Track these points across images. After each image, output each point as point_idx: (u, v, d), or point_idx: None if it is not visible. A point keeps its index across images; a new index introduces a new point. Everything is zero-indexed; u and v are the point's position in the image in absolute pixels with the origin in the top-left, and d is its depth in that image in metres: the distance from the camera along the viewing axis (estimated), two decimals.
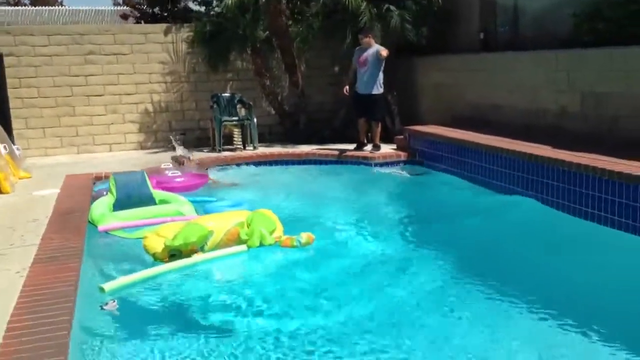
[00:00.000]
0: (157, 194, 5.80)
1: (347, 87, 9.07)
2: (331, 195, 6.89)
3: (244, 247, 4.43)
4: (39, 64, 9.68)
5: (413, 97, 10.33)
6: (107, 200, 5.61)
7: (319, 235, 4.78)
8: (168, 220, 5.11)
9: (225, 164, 8.65)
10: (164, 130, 10.48)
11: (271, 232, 4.46)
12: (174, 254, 4.30)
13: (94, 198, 5.99)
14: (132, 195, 5.57)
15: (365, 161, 8.48)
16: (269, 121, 10.84)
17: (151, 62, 10.27)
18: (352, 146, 9.16)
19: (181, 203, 5.58)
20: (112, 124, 10.20)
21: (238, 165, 8.74)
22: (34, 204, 5.78)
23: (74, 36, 9.83)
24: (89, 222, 5.23)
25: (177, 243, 4.15)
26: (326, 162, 8.74)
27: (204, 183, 6.83)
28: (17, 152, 7.33)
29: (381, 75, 8.84)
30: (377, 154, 8.64)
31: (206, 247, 4.34)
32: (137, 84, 10.24)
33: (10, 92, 9.44)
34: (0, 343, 2.74)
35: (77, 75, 9.87)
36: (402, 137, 9.09)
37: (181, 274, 4.24)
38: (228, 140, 9.98)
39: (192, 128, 10.60)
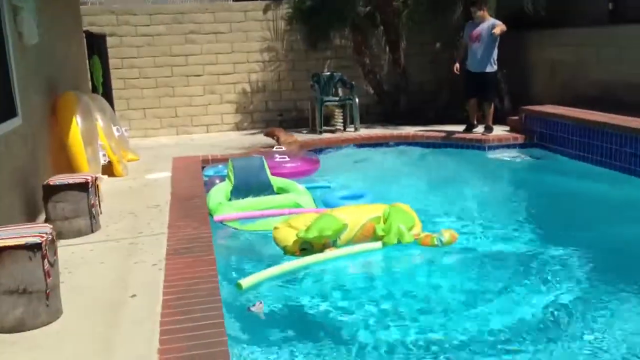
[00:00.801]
0: (275, 181, 5.58)
1: (458, 64, 8.53)
2: (447, 182, 6.46)
3: (379, 244, 4.10)
4: (140, 44, 9.71)
5: (525, 75, 9.65)
6: (225, 187, 5.43)
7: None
8: (285, 212, 4.86)
9: (327, 145, 8.37)
10: (260, 110, 10.33)
11: (409, 229, 4.11)
12: (304, 247, 4.05)
13: (207, 185, 5.86)
14: (250, 182, 5.37)
15: (478, 144, 7.98)
16: (367, 101, 10.44)
17: (250, 40, 10.10)
18: (459, 128, 8.66)
19: (299, 193, 5.31)
20: (209, 104, 10.13)
21: (340, 147, 8.43)
22: (150, 188, 5.70)
23: (175, 15, 9.78)
24: None
25: (310, 235, 3.89)
26: (435, 145, 8.29)
27: (315, 169, 6.55)
28: (125, 134, 7.33)
29: (496, 51, 8.26)
30: (490, 136, 8.10)
31: (339, 242, 4.06)
32: (235, 64, 10.10)
33: (113, 73, 9.50)
34: (159, 348, 2.56)
35: (178, 55, 9.84)
36: (516, 117, 8.50)
37: (313, 270, 3.98)
38: (327, 120, 9.69)
39: (289, 108, 10.39)
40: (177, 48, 9.83)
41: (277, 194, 5.44)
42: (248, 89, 10.21)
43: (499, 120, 9.25)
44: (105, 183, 5.76)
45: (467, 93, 8.62)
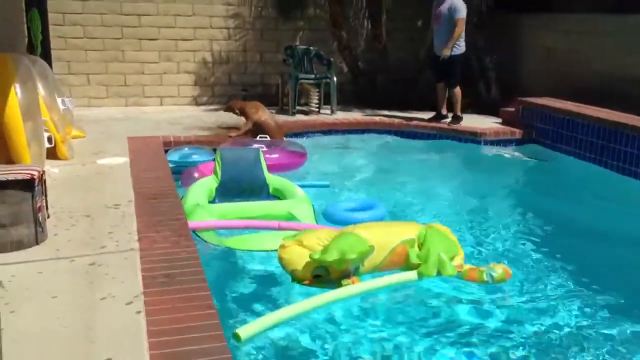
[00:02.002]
0: (273, 180, 4.69)
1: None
2: (444, 184, 5.77)
3: (413, 274, 3.31)
4: None
5: (515, 62, 9.07)
6: (208, 184, 4.52)
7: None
8: (274, 225, 4.00)
9: (303, 130, 7.52)
10: (222, 84, 9.34)
11: (451, 258, 3.34)
12: (319, 273, 3.23)
13: (177, 177, 4.94)
14: (241, 180, 4.48)
15: (472, 137, 7.32)
16: (340, 79, 9.53)
17: (214, 3, 9.03)
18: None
19: (298, 200, 4.38)
20: (164, 73, 9.05)
21: (317, 133, 7.60)
22: (104, 179, 4.70)
23: None
24: None
25: (329, 258, 3.07)
26: (424, 136, 7.59)
27: (301, 163, 5.67)
28: (70, 106, 6.23)
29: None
30: (485, 129, 7.46)
31: (362, 268, 3.26)
32: (196, 29, 9.03)
33: (52, 30, 8.24)
34: None
35: (129, 14, 8.68)
36: (510, 109, 7.90)
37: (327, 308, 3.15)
38: (299, 100, 8.79)
39: (254, 83, 9.44)
40: (128, 5, 8.68)
41: (273, 196, 4.57)
42: (209, 58, 9.18)
43: (487, 110, 8.69)
44: (46, 171, 4.73)
45: (434, 77, 7.99)
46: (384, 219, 4.19)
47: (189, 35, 8.99)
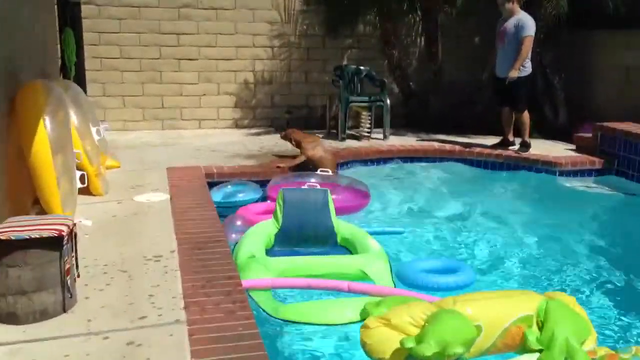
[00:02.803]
0: (341, 227, 4.09)
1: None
2: (529, 228, 5.08)
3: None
4: (123, 16, 8.11)
5: (587, 82, 8.37)
6: (267, 229, 3.96)
7: None
8: (343, 287, 3.37)
9: (354, 158, 6.93)
10: (265, 106, 8.85)
11: (582, 342, 2.67)
12: None
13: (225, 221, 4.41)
14: (306, 226, 3.91)
15: (546, 167, 6.63)
16: (390, 101, 9.05)
17: (257, 21, 8.59)
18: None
19: (373, 255, 3.70)
20: (204, 95, 8.61)
21: (372, 162, 7.01)
22: (144, 222, 4.19)
23: None
24: None
25: (428, 352, 2.44)
26: (491, 165, 6.94)
27: (364, 205, 5.04)
28: (105, 135, 5.78)
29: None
30: (561, 159, 6.76)
31: (466, 356, 2.62)
32: (238, 47, 8.58)
33: (87, 50, 7.88)
34: None
35: (168, 33, 8.27)
36: (586, 135, 7.20)
37: None
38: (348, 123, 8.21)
39: (299, 105, 8.93)
40: (167, 25, 8.27)
41: (341, 247, 3.98)
42: (251, 79, 8.71)
43: (554, 135, 8.03)
44: (80, 209, 4.25)
45: (497, 101, 7.38)
46: (473, 283, 3.53)
47: (230, 55, 8.54)
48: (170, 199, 4.73)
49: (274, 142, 7.52)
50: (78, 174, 4.14)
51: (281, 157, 6.54)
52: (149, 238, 3.81)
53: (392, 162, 7.00)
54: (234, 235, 4.17)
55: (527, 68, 7.04)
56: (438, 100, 8.90)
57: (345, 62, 8.85)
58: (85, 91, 7.89)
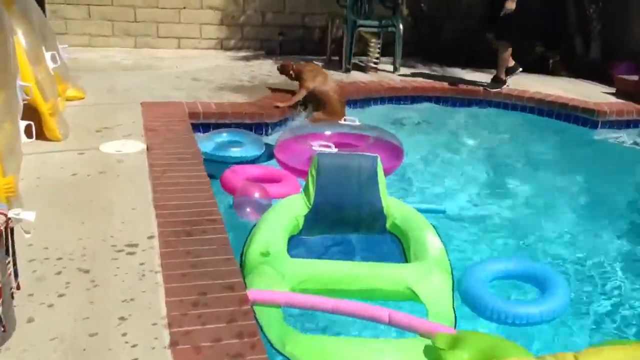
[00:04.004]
0: (393, 207, 3.09)
1: None
2: (565, 192, 4.33)
3: None
4: None
5: (621, 12, 7.39)
6: (294, 208, 3.02)
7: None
8: (381, 318, 2.36)
9: (365, 95, 5.98)
10: (254, 24, 7.74)
11: None
12: None
13: (221, 183, 3.52)
14: (346, 205, 2.99)
15: (584, 114, 5.77)
16: None
17: None
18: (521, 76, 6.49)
19: (430, 264, 2.68)
20: (184, 8, 7.45)
21: (381, 100, 6.07)
22: (114, 186, 3.27)
23: None
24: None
25: None
26: (519, 108, 6.07)
27: (396, 167, 4.09)
28: (65, 59, 4.73)
29: None
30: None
31: None
32: None
33: None
34: None
35: None
36: (630, 78, 6.34)
37: None
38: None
39: (293, 24, 7.84)
40: None
41: (391, 235, 3.10)
42: None
43: (587, 73, 7.16)
44: (28, 165, 3.30)
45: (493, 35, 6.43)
46: (565, 308, 2.66)
47: None
48: (147, 149, 3.80)
49: (267, 70, 6.52)
50: (23, 124, 3.15)
51: (277, 91, 5.57)
52: (120, 214, 2.92)
53: (408, 102, 6.07)
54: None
55: None
56: (452, 26, 7.90)
57: None
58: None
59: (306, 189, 3.07)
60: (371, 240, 3.01)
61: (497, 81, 6.35)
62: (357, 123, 4.36)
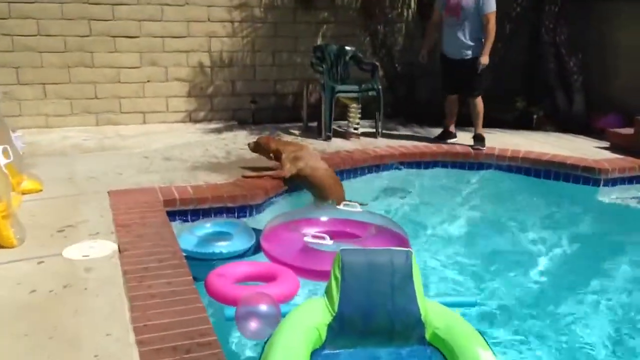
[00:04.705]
0: (432, 313, 2.56)
1: (424, 52, 6.41)
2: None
3: None
4: None
5: (605, 64, 7.27)
6: (315, 318, 2.50)
7: None
8: None
9: (351, 166, 5.58)
10: (224, 94, 7.37)
11: None
12: None
13: (206, 289, 3.01)
14: (375, 313, 2.46)
15: (584, 173, 5.47)
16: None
17: None
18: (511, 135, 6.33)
19: None
20: (147, 81, 7.03)
21: (371, 170, 5.68)
22: (80, 308, 2.72)
23: None
24: None
25: None
26: (516, 170, 5.76)
27: None
28: (18, 146, 4.22)
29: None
30: (597, 162, 5.64)
31: None
32: (190, 22, 7.03)
33: None
34: None
35: (99, 4, 6.63)
36: (626, 130, 6.13)
37: None
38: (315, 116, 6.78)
39: (265, 93, 7.50)
40: None
41: (432, 349, 2.55)
42: (207, 61, 7.21)
43: (570, 126, 7.00)
44: None
45: (444, 87, 6.41)
46: None
47: (180, 32, 6.99)
48: (119, 251, 3.28)
49: (242, 143, 6.09)
50: None
51: (256, 169, 5.11)
52: (92, 345, 2.38)
53: (395, 169, 5.71)
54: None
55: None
56: (426, 85, 7.70)
57: (319, 40, 7.47)
58: None
59: (329, 293, 2.57)
60: (408, 354, 2.51)
61: (479, 139, 6.09)
62: (359, 209, 3.89)
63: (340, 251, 2.61)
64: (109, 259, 3.17)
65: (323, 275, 3.16)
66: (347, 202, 3.98)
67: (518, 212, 4.94)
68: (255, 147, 5.05)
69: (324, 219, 3.86)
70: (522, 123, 7.37)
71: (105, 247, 3.31)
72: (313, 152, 4.96)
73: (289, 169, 4.70)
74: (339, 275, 2.54)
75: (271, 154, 4.89)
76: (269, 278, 3.23)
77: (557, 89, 7.44)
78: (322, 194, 4.59)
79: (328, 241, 3.45)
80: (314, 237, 3.48)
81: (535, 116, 7.32)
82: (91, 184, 4.53)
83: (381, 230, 3.67)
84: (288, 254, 3.45)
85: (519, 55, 7.80)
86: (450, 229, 4.50)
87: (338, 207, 3.91)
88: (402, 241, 3.57)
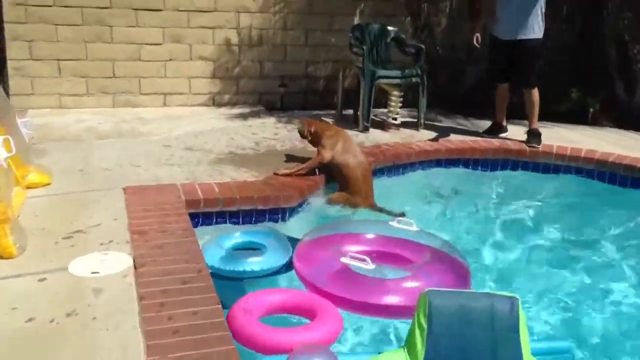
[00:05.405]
0: None
1: (478, 33, 5.80)
2: None
3: None
4: None
5: None
6: None
7: None
8: None
9: (393, 163, 5.03)
10: (252, 76, 6.85)
11: None
12: None
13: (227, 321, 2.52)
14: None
15: None
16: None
17: None
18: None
19: None
20: (170, 60, 6.53)
21: (415, 166, 5.14)
22: (87, 337, 2.27)
23: None
24: None
25: None
26: (558, 169, 5.21)
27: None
28: (25, 133, 3.77)
29: (543, 8, 5.40)
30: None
31: None
32: None
33: None
34: None
35: None
36: None
37: None
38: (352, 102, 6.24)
39: (297, 75, 6.97)
40: None
41: None
42: (235, 39, 6.68)
43: (630, 120, 6.40)
44: None
45: (493, 76, 5.84)
46: None
47: (206, 5, 6.46)
48: (134, 267, 2.80)
49: (272, 133, 5.60)
50: None
51: (291, 160, 4.64)
52: None
53: (443, 167, 5.17)
54: None
55: (542, 28, 5.46)
56: (474, 71, 7.12)
57: (356, 19, 6.90)
58: (3, 52, 5.86)
59: (410, 345, 2.07)
60: None
61: (535, 134, 5.53)
62: (414, 227, 3.34)
63: (427, 292, 2.10)
64: (123, 278, 2.70)
65: (360, 307, 2.68)
66: (401, 219, 3.43)
67: (594, 225, 4.36)
68: (302, 128, 4.56)
69: (369, 236, 3.34)
70: (576, 116, 6.78)
71: (118, 261, 2.84)
72: (351, 141, 4.44)
73: (321, 155, 4.23)
74: (424, 324, 2.04)
75: (308, 135, 4.41)
76: (304, 312, 2.72)
77: (617, 79, 6.81)
78: (350, 189, 4.11)
79: (369, 264, 2.95)
80: (352, 257, 2.97)
81: (591, 109, 6.71)
82: (105, 178, 4.06)
83: (437, 255, 3.13)
84: (321, 276, 2.94)
85: (573, 40, 7.17)
86: (518, 246, 3.94)
87: (392, 223, 3.37)
88: (462, 270, 3.03)
